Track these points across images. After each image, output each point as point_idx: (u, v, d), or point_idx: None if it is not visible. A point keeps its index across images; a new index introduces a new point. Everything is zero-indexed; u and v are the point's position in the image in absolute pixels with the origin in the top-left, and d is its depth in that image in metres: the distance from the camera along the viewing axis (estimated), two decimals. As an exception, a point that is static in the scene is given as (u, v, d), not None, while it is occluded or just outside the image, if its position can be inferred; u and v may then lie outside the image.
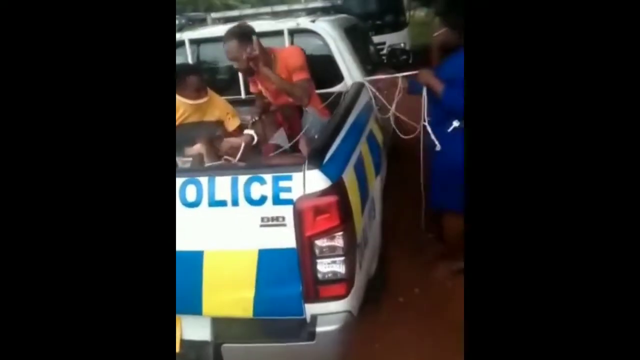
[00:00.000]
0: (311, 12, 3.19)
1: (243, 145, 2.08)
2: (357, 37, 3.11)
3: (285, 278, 1.46)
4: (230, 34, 2.22)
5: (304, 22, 2.68)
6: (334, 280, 1.46)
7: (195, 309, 1.51)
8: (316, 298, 1.46)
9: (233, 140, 2.13)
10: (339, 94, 2.52)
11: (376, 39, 5.19)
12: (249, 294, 1.47)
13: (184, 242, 1.47)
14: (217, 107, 2.32)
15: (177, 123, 2.22)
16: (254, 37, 2.19)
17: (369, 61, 3.23)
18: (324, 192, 1.40)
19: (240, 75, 2.72)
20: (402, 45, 6.77)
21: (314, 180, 1.40)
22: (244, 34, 2.20)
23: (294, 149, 2.26)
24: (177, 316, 1.61)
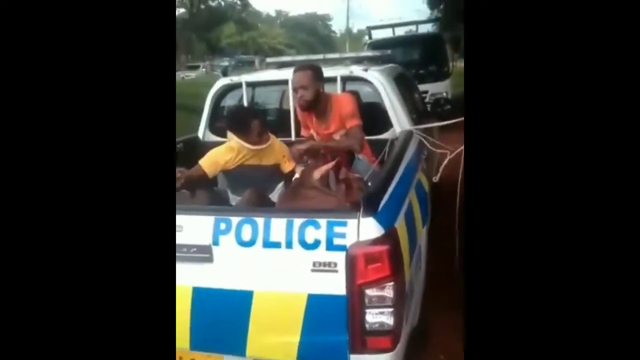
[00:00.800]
0: (358, 60, 3.27)
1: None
2: (404, 86, 3.17)
3: (332, 325, 1.43)
4: (307, 64, 2.39)
5: (356, 70, 2.76)
6: (381, 331, 1.43)
7: (239, 350, 1.50)
8: (363, 349, 1.43)
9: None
10: (389, 141, 2.55)
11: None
12: (294, 338, 1.45)
13: (235, 281, 1.48)
14: (275, 151, 2.40)
15: (235, 164, 2.31)
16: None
17: (415, 110, 3.27)
18: (377, 241, 1.39)
19: (291, 117, 2.80)
20: (444, 94, 6.82)
21: (368, 228, 1.40)
22: (319, 70, 2.34)
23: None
24: (219, 355, 1.60)
